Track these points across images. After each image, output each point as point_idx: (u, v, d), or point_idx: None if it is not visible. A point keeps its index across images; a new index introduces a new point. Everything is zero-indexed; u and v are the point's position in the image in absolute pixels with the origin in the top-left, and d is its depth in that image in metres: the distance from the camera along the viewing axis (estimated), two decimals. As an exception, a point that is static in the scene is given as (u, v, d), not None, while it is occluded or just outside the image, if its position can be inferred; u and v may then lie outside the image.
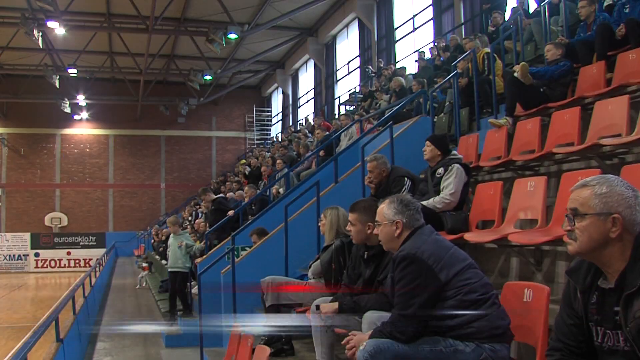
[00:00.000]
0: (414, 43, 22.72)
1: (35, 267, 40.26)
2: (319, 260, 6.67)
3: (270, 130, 42.42)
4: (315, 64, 32.55)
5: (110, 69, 36.67)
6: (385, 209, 4.38)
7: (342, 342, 4.31)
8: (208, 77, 31.77)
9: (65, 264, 40.40)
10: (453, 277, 3.90)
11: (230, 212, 13.63)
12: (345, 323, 5.12)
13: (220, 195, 16.45)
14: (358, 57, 27.61)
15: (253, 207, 13.57)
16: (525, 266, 5.91)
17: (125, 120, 41.47)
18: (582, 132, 6.76)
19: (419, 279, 3.90)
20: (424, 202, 6.60)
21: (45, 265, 40.37)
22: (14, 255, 40.31)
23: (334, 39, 30.50)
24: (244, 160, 30.08)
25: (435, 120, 11.01)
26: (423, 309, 3.86)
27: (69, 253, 40.77)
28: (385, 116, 11.78)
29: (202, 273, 9.69)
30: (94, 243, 40.68)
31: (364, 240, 5.26)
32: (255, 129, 42.61)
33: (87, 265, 35.39)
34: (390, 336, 3.85)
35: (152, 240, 26.09)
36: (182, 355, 10.77)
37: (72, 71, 32.49)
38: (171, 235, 13.19)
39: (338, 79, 30.19)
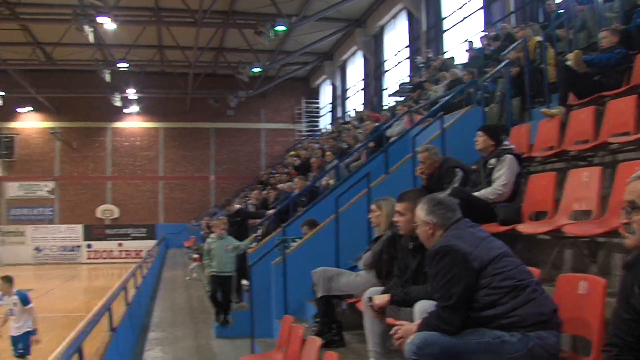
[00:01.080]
0: (463, 33, 22.48)
1: (87, 258, 41.00)
2: (370, 252, 6.66)
3: (319, 121, 42.38)
4: (363, 55, 32.45)
5: (159, 62, 37.05)
6: (419, 210, 4.53)
7: (390, 332, 4.34)
8: (257, 70, 31.82)
9: (116, 255, 41.04)
10: (487, 265, 3.94)
11: (271, 212, 13.70)
12: (396, 314, 5.14)
13: (241, 206, 16.57)
14: (406, 48, 27.44)
15: (303, 199, 13.60)
16: (579, 258, 5.81)
17: (175, 113, 41.92)
18: (639, 121, 6.63)
19: (454, 269, 3.96)
20: (476, 193, 6.56)
21: (97, 257, 41.07)
22: (67, 247, 41.11)
23: (382, 29, 30.35)
24: (293, 152, 30.12)
25: (486, 110, 10.90)
26: (463, 298, 3.88)
27: (120, 244, 41.43)
28: (436, 106, 11.69)
29: (254, 264, 9.73)
30: (145, 235, 41.24)
31: (412, 231, 5.26)
32: (304, 120, 42.61)
33: (138, 256, 35.86)
34: (437, 329, 3.88)
35: (202, 232, 26.30)
36: (233, 346, 10.83)
37: (123, 65, 32.91)
38: (213, 237, 12.72)
39: (386, 70, 30.05)
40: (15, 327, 10.39)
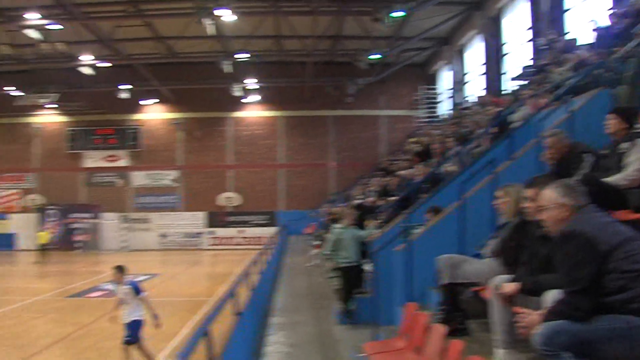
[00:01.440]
0: (585, 11, 21.63)
1: (209, 245, 42.37)
2: (496, 239, 6.52)
3: (438, 107, 41.81)
4: (482, 39, 31.74)
5: (278, 52, 37.50)
6: (551, 193, 4.41)
7: (513, 320, 4.27)
8: (375, 57, 31.72)
9: (237, 242, 42.08)
10: (614, 249, 3.86)
11: (392, 198, 13.61)
12: (525, 303, 5.01)
13: (361, 202, 16.52)
14: (527, 30, 26.67)
15: (425, 186, 13.46)
16: None
17: (294, 102, 42.47)
18: None
19: (579, 254, 3.91)
20: (608, 179, 6.30)
21: (218, 243, 42.32)
22: (190, 233, 42.48)
23: (501, 12, 29.61)
24: (414, 139, 29.87)
25: (615, 92, 10.46)
26: (591, 283, 3.78)
27: (241, 231, 42.37)
28: (562, 90, 11.31)
29: (376, 252, 9.71)
30: (266, 221, 42.05)
31: (542, 217, 5.13)
32: (423, 106, 42.12)
33: (259, 243, 36.56)
34: (566, 316, 3.79)
35: (323, 219, 26.46)
36: (355, 332, 10.81)
37: (243, 56, 33.55)
38: (339, 226, 12.52)
39: (507, 53, 29.33)
40: (126, 315, 10.72)
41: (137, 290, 10.71)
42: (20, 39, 30.71)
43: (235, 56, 34.10)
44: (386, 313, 9.71)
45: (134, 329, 10.61)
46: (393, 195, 14.90)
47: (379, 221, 13.12)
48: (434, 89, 42.38)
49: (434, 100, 42.05)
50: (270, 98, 42.08)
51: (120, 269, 10.89)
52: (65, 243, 40.73)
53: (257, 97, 41.70)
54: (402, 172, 18.48)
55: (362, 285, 12.51)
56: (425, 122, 39.87)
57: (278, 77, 40.01)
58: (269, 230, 37.27)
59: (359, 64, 32.52)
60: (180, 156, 43.52)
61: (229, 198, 42.80)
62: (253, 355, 9.32)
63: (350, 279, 12.06)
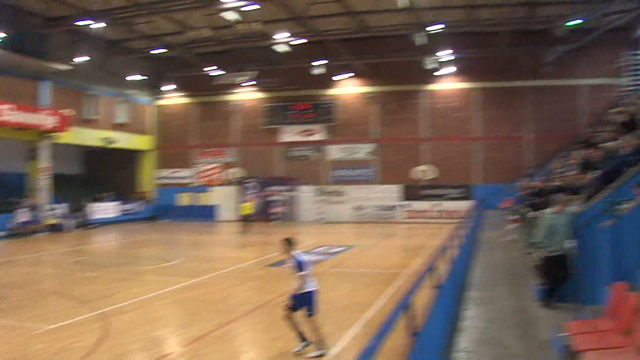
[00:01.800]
0: None
1: (403, 218, 42.66)
2: None
3: (643, 74, 39.33)
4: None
5: (471, 22, 36.79)
6: None
7: None
8: (574, 22, 30.30)
9: (432, 215, 41.99)
10: None
11: (595, 172, 13.02)
12: None
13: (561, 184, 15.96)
14: None
15: (633, 158, 12.71)
16: None
17: (488, 73, 41.43)
18: None
19: None
20: None
21: (413, 216, 42.46)
22: (384, 206, 42.98)
23: None
24: (618, 108, 28.32)
25: None
26: None
27: (435, 205, 42.23)
28: None
29: (581, 228, 9.31)
30: (461, 195, 41.54)
31: None
32: (627, 74, 39.69)
33: (453, 217, 36.21)
34: None
35: (520, 193, 25.76)
36: (555, 311, 10.47)
37: (435, 28, 33.22)
38: (550, 211, 11.71)
39: None
40: (294, 286, 10.79)
41: (299, 265, 10.70)
42: (218, 21, 32.27)
43: (428, 28, 33.86)
44: (590, 292, 9.33)
45: (298, 301, 10.68)
46: (596, 169, 14.19)
47: (582, 197, 12.54)
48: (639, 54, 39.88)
49: (638, 67, 39.58)
50: (463, 69, 41.39)
51: (288, 242, 10.90)
52: (263, 214, 42.45)
53: (451, 69, 41.08)
54: (607, 144, 17.56)
55: (571, 271, 11.83)
56: (630, 90, 37.64)
57: (471, 48, 39.29)
58: (464, 204, 36.87)
59: (557, 31, 31.23)
60: (374, 129, 43.98)
61: (423, 171, 42.70)
62: (450, 329, 9.25)
63: (562, 267, 11.35)
